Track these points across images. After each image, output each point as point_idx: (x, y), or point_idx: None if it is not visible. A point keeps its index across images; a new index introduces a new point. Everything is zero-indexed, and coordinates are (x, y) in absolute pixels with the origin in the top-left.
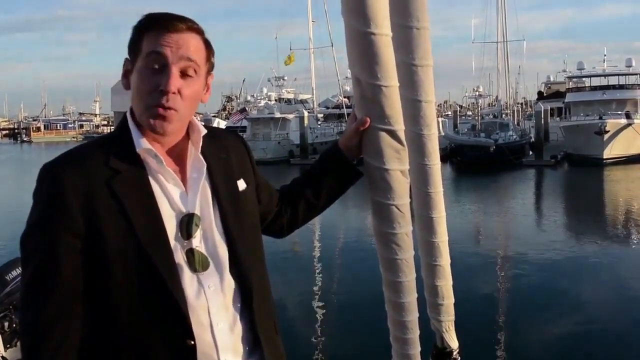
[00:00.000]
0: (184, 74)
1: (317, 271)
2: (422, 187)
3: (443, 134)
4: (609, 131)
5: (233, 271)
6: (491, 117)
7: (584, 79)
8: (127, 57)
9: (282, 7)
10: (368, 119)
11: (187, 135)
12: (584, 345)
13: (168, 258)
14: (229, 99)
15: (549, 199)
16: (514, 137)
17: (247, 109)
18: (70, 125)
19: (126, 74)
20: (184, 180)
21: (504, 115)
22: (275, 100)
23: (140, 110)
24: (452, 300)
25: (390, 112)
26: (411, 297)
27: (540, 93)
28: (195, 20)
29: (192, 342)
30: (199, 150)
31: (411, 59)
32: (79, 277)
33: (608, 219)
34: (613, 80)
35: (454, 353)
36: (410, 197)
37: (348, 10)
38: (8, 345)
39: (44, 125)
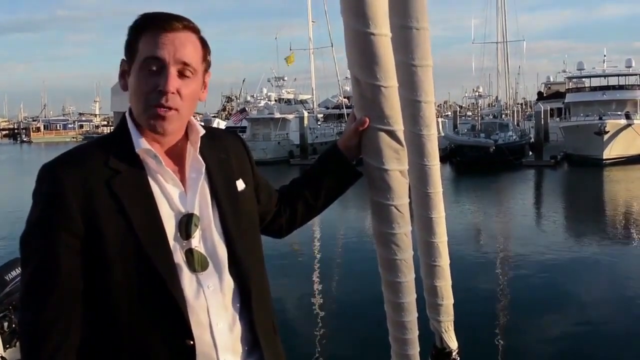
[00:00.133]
0: (181, 75)
1: (317, 271)
2: (422, 188)
3: (443, 134)
4: (608, 132)
5: (232, 271)
6: (491, 117)
7: (583, 79)
8: (124, 57)
9: (282, 7)
10: (367, 119)
11: (186, 135)
12: (584, 345)
13: (167, 258)
14: (229, 99)
15: (548, 200)
16: (514, 137)
17: (246, 109)
18: (70, 126)
19: (123, 75)
20: (183, 180)
21: (503, 116)
22: (275, 100)
23: (140, 111)
24: (452, 300)
25: (389, 113)
26: (410, 298)
27: (540, 93)
28: (195, 20)
29: (192, 342)
30: (198, 151)
31: (410, 59)
32: (78, 277)
33: (608, 220)
34: (613, 81)
35: (453, 353)
36: (410, 198)
37: (347, 10)
38: (7, 346)
39: (44, 126)
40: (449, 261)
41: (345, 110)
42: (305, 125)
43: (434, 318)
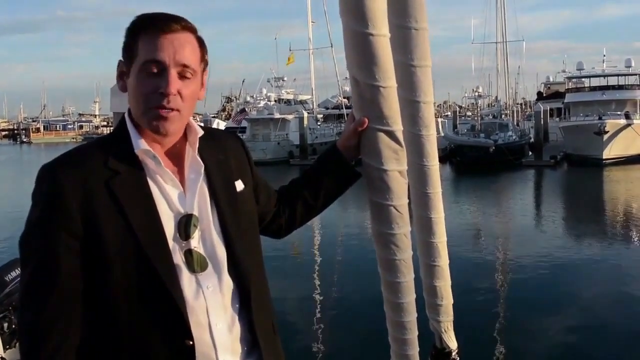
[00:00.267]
0: (181, 76)
1: (316, 271)
2: (421, 188)
3: (442, 134)
4: (608, 131)
5: (231, 271)
6: (491, 117)
7: (583, 79)
8: (121, 59)
9: (281, 7)
10: (366, 120)
11: (185, 136)
12: (584, 345)
13: (167, 259)
14: (229, 99)
15: (548, 200)
16: (514, 137)
17: (246, 109)
18: (69, 126)
19: (121, 76)
20: (182, 181)
21: (503, 116)
22: (275, 100)
23: (141, 112)
24: (451, 300)
25: (388, 113)
26: (410, 298)
27: (539, 93)
28: (195, 21)
29: (191, 343)
30: (196, 151)
31: (409, 60)
32: (78, 278)
33: (607, 219)
34: (612, 81)
35: (453, 353)
36: (409, 198)
37: (346, 11)
38: (7, 346)
39: (44, 126)
40: (448, 261)
41: (345, 111)
42: (304, 125)
43: (433, 318)
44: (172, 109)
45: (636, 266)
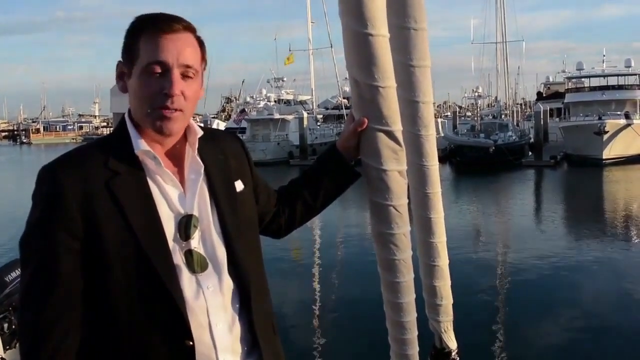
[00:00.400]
0: (184, 76)
1: (316, 271)
2: (420, 188)
3: (442, 134)
4: (608, 131)
5: (231, 272)
6: (490, 117)
7: (583, 79)
8: (120, 59)
9: (281, 8)
10: (366, 120)
11: (185, 136)
12: (583, 345)
13: (167, 259)
14: (228, 100)
15: (548, 200)
16: (514, 137)
17: (246, 110)
18: (69, 127)
19: (121, 77)
20: (182, 181)
21: (503, 116)
22: (275, 101)
23: (144, 113)
24: (451, 300)
25: (387, 113)
26: (409, 298)
27: (539, 93)
28: (194, 21)
29: (191, 343)
30: (196, 152)
31: (409, 60)
32: (78, 278)
33: (607, 220)
34: (612, 81)
35: (453, 353)
36: (408, 198)
37: (345, 11)
38: (7, 347)
39: (44, 127)
40: (447, 261)
41: (344, 111)
42: (304, 126)
43: (433, 318)
44: (176, 109)
45: (636, 266)
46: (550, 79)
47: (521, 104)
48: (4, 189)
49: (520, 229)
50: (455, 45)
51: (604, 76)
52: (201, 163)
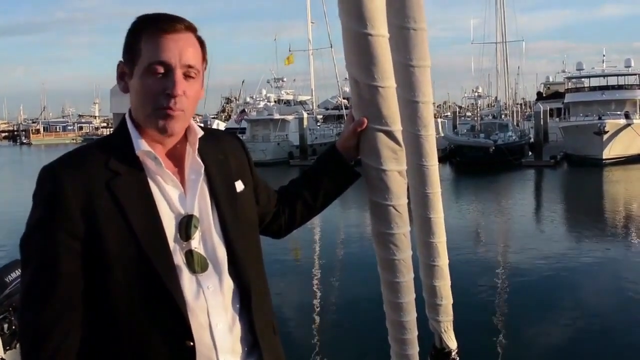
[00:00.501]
0: (186, 76)
1: (316, 271)
2: (420, 188)
3: (443, 134)
4: (608, 131)
5: (231, 272)
6: (490, 117)
7: (583, 79)
8: (121, 60)
9: (281, 8)
10: (365, 120)
11: (185, 137)
12: (583, 345)
13: (167, 259)
14: (228, 100)
15: (548, 200)
16: (513, 137)
17: (246, 110)
18: (69, 128)
19: (122, 77)
20: (182, 181)
21: (503, 116)
22: (275, 101)
23: (146, 113)
24: (451, 300)
25: (387, 113)
26: (409, 298)
27: (539, 93)
28: (194, 22)
29: (192, 343)
30: (196, 152)
31: (408, 60)
32: (78, 278)
33: (607, 220)
34: (612, 81)
35: (453, 353)
36: (408, 198)
37: (345, 11)
38: (8, 347)
39: (44, 128)
40: (447, 261)
41: (344, 111)
42: (304, 126)
43: (433, 318)
44: (179, 110)
45: (636, 266)
46: (550, 79)
47: (521, 104)
48: (4, 190)
49: (520, 229)
50: (455, 46)
51: (604, 76)
52: (201, 163)
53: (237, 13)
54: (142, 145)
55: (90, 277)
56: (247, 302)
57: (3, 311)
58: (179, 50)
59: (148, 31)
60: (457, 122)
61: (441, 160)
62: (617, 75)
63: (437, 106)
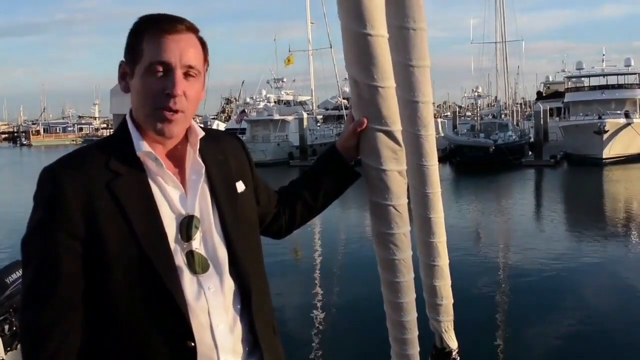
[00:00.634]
0: (186, 77)
1: (316, 271)
2: (420, 188)
3: (443, 134)
4: (608, 131)
5: (232, 272)
6: (490, 117)
7: (583, 78)
8: (123, 59)
9: (280, 9)
10: (365, 120)
11: (186, 137)
12: (583, 345)
13: (168, 260)
14: (228, 101)
15: (548, 199)
16: (513, 137)
17: (246, 110)
18: (69, 129)
19: (123, 77)
20: (183, 182)
21: (503, 116)
22: (275, 102)
23: (146, 113)
24: (451, 300)
25: (387, 113)
26: (409, 297)
27: (539, 93)
28: (195, 22)
29: (192, 344)
30: (197, 153)
31: (408, 60)
32: (79, 279)
33: (607, 219)
34: (612, 80)
35: (453, 353)
36: (408, 198)
37: (344, 11)
38: (8, 348)
39: (44, 129)
40: (448, 261)
41: (344, 112)
42: (304, 126)
43: (433, 318)
44: (178, 111)
45: (636, 266)
46: (550, 79)
47: (521, 104)
48: (5, 191)
49: (520, 228)
50: (455, 45)
51: (604, 75)
52: (202, 164)
53: (237, 13)
54: (142, 146)
55: (90, 278)
56: (247, 302)
57: (4, 312)
58: (180, 50)
59: (149, 31)
60: (457, 122)
61: (441, 160)
62: (617, 74)
63: (437, 106)
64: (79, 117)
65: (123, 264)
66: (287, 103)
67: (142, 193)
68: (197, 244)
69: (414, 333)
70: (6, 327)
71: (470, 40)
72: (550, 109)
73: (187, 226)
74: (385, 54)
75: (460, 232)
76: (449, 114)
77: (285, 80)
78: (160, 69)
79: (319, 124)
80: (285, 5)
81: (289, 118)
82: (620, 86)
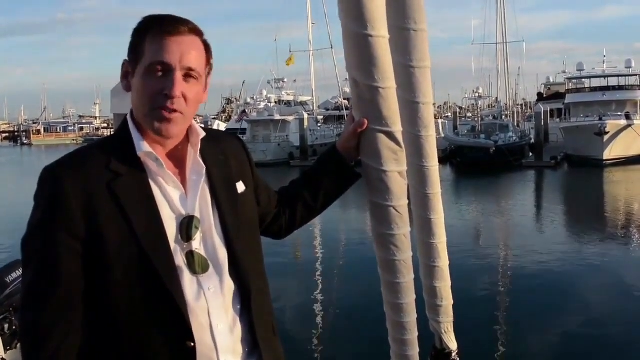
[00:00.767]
0: (186, 78)
1: (316, 272)
2: (420, 189)
3: (443, 135)
4: (608, 132)
5: (232, 273)
6: (491, 118)
7: (583, 80)
8: (126, 58)
9: (281, 9)
10: (366, 121)
11: (187, 137)
12: (584, 346)
13: (168, 260)
14: (229, 101)
15: (548, 201)
16: (514, 138)
17: (246, 111)
18: (70, 128)
19: (126, 76)
20: (183, 182)
21: (503, 117)
22: (275, 102)
23: (144, 113)
24: (451, 301)
25: (387, 114)
26: (409, 298)
27: (540, 94)
28: (195, 22)
29: (192, 344)
30: (198, 153)
31: (409, 61)
32: (79, 279)
33: (608, 221)
34: (613, 81)
35: (453, 354)
36: (408, 199)
37: (345, 12)
38: (8, 347)
39: (44, 128)
40: (448, 262)
41: (345, 112)
42: (305, 126)
43: (433, 319)
44: (176, 111)
45: (637, 267)
46: (551, 80)
47: (522, 105)
48: (5, 190)
49: (520, 229)
50: (456, 46)
51: (605, 77)
52: (203, 164)
53: (237, 13)
54: (143, 147)
55: (90, 278)
56: (247, 303)
57: (4, 311)
58: (181, 52)
59: (152, 32)
60: (458, 123)
61: (441, 161)
62: (618, 75)
63: (438, 107)
64: (80, 116)
65: (123, 264)
66: (288, 103)
67: (143, 193)
68: (197, 245)
69: (413, 334)
70: (6, 326)
71: (471, 41)
72: (551, 110)
73: (187, 226)
74: (385, 55)
75: (461, 233)
76: (449, 114)
77: (286, 80)
78: (160, 69)
79: (319, 125)
80: (286, 5)
81: (290, 118)
82: (621, 87)
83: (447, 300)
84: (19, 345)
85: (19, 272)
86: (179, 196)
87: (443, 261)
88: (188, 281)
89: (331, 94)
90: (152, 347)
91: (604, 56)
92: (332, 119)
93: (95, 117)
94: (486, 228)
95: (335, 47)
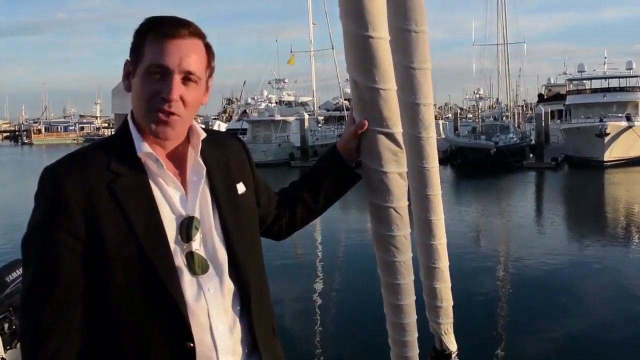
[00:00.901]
0: (185, 82)
1: (316, 273)
2: (421, 190)
3: (444, 136)
4: (609, 133)
5: (232, 274)
6: (492, 119)
7: (584, 81)
8: (128, 58)
9: (282, 9)
10: (366, 122)
11: (187, 138)
12: (584, 347)
13: (168, 261)
14: (230, 101)
15: (549, 202)
16: (515, 139)
17: (247, 111)
18: (71, 128)
19: (128, 76)
20: (184, 183)
21: (504, 118)
22: (276, 102)
23: (142, 114)
24: (451, 302)
25: (388, 115)
26: (409, 300)
27: (540, 95)
28: (196, 22)
29: (192, 345)
30: (199, 154)
31: (409, 62)
32: (79, 279)
33: (608, 222)
34: (614, 83)
35: (453, 355)
36: (409, 200)
37: (346, 13)
38: (8, 347)
39: (45, 128)
40: (448, 263)
41: (345, 113)
42: (305, 127)
43: (433, 320)
44: (173, 114)
45: (637, 268)
46: (552, 81)
47: (522, 106)
48: (5, 190)
49: (521, 230)
50: (456, 47)
51: (605, 78)
52: (203, 165)
53: (238, 14)
54: (143, 147)
55: (90, 278)
56: (247, 303)
57: (4, 311)
58: (180, 55)
59: (152, 34)
60: (458, 124)
61: (442, 162)
62: (619, 77)
63: (439, 108)
64: (81, 116)
65: (123, 265)
66: (289, 104)
67: (143, 194)
68: (197, 245)
69: (413, 335)
70: (6, 325)
71: (472, 42)
72: (552, 112)
73: (187, 227)
74: (386, 56)
75: (461, 234)
76: (450, 115)
77: (286, 81)
78: (158, 72)
79: (320, 125)
80: (287, 6)
81: (290, 119)
82: (621, 89)
83: (447, 301)
84: (19, 344)
85: (19, 271)
86: (179, 197)
87: (443, 262)
88: (188, 282)
89: (332, 94)
90: (152, 347)
91: (605, 58)
92: (333, 120)
93: (96, 117)
94: (486, 229)
95: (336, 47)
